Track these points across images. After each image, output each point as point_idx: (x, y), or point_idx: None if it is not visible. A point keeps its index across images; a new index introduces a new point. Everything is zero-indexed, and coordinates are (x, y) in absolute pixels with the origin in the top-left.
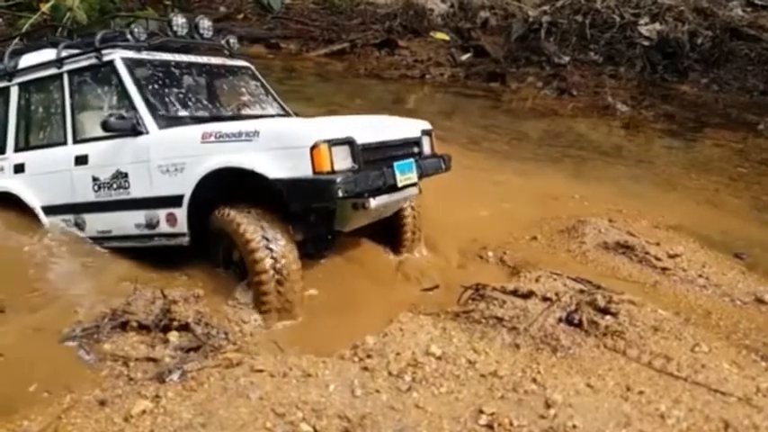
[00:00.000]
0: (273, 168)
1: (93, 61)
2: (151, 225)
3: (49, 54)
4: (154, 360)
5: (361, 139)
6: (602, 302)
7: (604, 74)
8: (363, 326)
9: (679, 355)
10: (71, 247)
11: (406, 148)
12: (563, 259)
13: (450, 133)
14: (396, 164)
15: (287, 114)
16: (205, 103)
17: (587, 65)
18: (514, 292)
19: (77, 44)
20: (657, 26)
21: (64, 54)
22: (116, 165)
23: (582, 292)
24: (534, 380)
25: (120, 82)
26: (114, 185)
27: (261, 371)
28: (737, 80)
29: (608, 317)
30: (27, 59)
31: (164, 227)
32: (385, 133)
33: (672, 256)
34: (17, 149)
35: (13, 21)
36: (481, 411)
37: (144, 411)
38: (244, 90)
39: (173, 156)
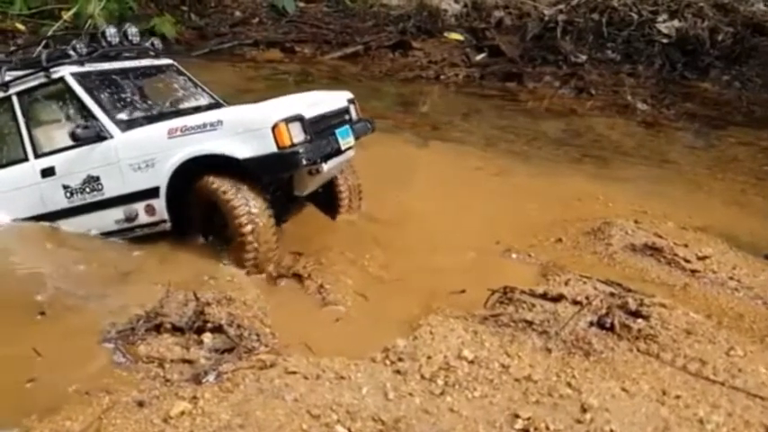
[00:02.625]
0: (242, 150)
1: (43, 80)
2: (130, 218)
3: None
4: (189, 362)
5: (308, 114)
6: (633, 306)
7: (623, 72)
8: (392, 328)
9: (714, 358)
10: (104, 252)
11: (340, 116)
12: (590, 261)
13: (467, 135)
14: (337, 131)
15: (217, 102)
16: (149, 102)
17: (605, 63)
18: (544, 296)
19: (17, 65)
20: (676, 23)
21: (8, 77)
22: (86, 170)
23: (612, 295)
24: (569, 384)
25: (75, 96)
26: (87, 189)
27: (294, 372)
28: (761, 77)
29: (640, 320)
30: None
31: (143, 218)
32: (323, 106)
33: (701, 258)
34: None
35: (36, 28)
36: (517, 416)
37: (183, 412)
38: (175, 85)
39: (142, 154)
